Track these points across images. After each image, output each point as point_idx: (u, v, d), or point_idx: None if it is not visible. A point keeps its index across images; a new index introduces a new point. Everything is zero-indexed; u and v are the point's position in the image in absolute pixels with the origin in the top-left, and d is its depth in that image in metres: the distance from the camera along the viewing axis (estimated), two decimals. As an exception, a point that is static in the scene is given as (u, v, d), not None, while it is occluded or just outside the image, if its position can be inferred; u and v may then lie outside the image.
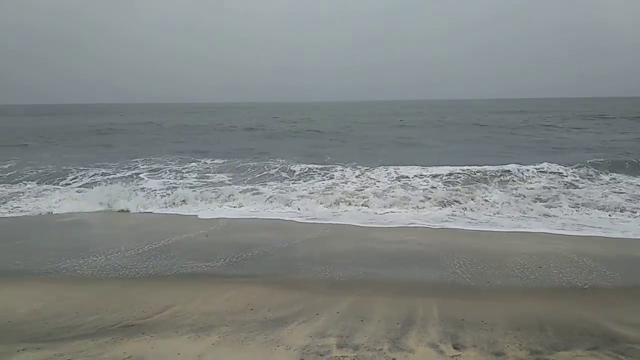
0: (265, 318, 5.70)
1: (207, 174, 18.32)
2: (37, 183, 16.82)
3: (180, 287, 7.10)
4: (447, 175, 16.25)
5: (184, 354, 4.61)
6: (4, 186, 16.14)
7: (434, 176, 16.22)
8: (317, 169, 18.30)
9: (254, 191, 14.54)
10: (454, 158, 21.35)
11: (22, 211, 12.85)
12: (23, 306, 6.26)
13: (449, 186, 14.98)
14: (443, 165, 17.88)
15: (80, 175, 18.18)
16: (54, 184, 16.68)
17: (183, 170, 18.87)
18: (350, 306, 6.15)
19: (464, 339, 5.04)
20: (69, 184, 16.91)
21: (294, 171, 18.10)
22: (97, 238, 10.39)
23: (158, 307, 6.13)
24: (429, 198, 13.15)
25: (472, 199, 13.05)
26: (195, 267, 8.24)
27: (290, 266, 8.17)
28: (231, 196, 13.67)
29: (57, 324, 5.58)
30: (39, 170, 19.10)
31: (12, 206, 13.32)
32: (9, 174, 18.55)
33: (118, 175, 18.26)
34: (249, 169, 19.10)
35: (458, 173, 16.55)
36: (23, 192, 14.95)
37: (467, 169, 16.90)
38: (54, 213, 12.71)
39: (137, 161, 21.63)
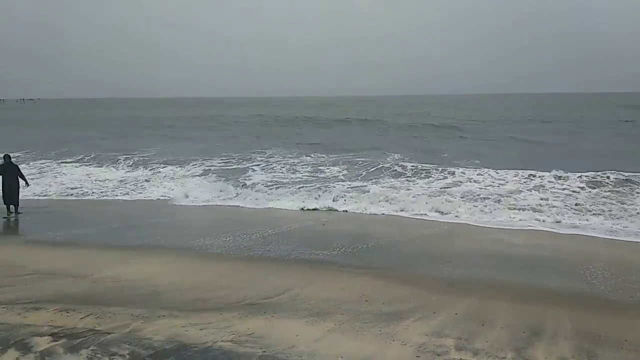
0: (380, 310, 5.68)
1: (320, 167, 18.70)
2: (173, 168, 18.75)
3: (299, 271, 7.38)
4: (585, 179, 14.67)
5: (302, 337, 4.79)
6: (147, 169, 18.25)
7: (569, 179, 14.74)
8: (433, 166, 17.68)
9: (366, 187, 14.56)
10: (592, 160, 19.13)
11: (163, 195, 14.46)
12: (164, 277, 7.00)
13: (587, 191, 13.54)
14: (580, 169, 16.04)
15: (198, 164, 19.75)
16: (181, 168, 18.54)
17: (298, 164, 19.39)
18: (469, 308, 5.87)
19: (602, 357, 4.54)
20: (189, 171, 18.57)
21: (410, 167, 17.68)
22: (223, 222, 11.24)
23: (278, 289, 6.43)
24: (564, 203, 12.07)
25: (613, 205, 11.68)
26: (312, 253, 8.50)
27: (406, 261, 8.05)
28: (342, 195, 13.60)
29: (192, 295, 6.14)
30: (180, 158, 21.22)
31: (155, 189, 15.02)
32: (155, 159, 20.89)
33: (233, 167, 19.34)
34: (363, 164, 19.08)
35: (598, 177, 14.83)
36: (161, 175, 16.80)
37: (610, 173, 15.05)
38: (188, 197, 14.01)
39: (256, 152, 22.84)
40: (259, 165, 19.44)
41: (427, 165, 18.00)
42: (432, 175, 16.35)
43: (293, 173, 17.93)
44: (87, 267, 7.46)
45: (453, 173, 16.38)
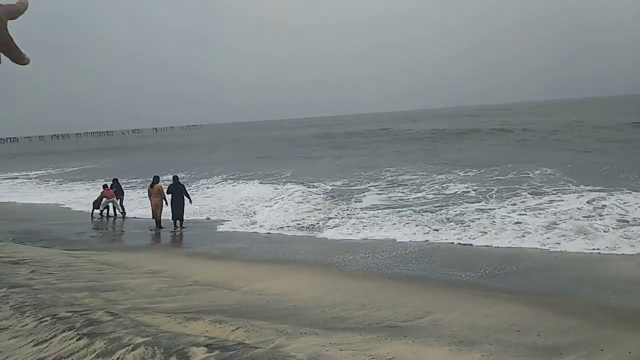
0: (534, 343, 5.11)
1: (448, 184, 17.50)
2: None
3: (440, 294, 7.05)
4: None
5: (446, 366, 4.50)
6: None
7: None
8: (591, 188, 14.45)
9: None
10: None
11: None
12: (306, 292, 7.23)
13: None
14: None
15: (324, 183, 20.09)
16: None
17: (425, 183, 18.40)
18: (647, 347, 4.99)
19: None
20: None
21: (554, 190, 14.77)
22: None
23: (419, 312, 6.19)
24: None
25: None
26: (454, 274, 8.07)
27: (563, 286, 7.19)
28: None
29: (331, 313, 6.22)
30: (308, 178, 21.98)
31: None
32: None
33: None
34: (501, 182, 17.40)
35: None
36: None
37: None
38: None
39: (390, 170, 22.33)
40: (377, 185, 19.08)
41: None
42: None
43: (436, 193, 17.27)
44: (238, 279, 8.06)
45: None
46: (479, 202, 13.95)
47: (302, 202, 15.76)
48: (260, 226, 13.23)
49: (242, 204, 16.85)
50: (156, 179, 14.88)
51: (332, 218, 13.34)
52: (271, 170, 25.56)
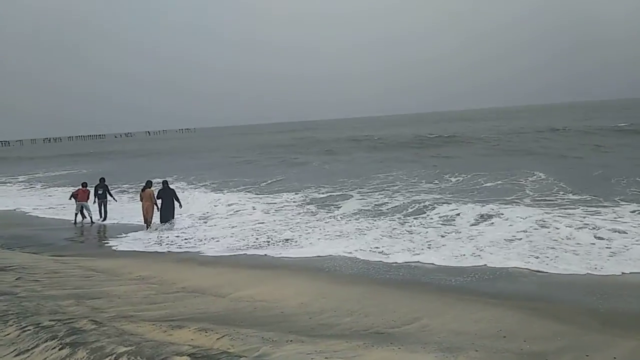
0: (520, 349, 5.12)
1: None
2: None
3: (428, 299, 7.04)
4: None
5: (431, 374, 4.49)
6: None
7: None
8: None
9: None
10: None
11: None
12: (294, 298, 7.20)
13: None
14: None
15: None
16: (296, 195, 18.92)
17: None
18: (632, 352, 5.01)
19: None
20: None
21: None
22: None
23: (406, 318, 6.18)
24: None
25: None
26: (442, 279, 8.09)
27: (550, 291, 7.22)
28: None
29: (319, 320, 6.19)
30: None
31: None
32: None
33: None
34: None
35: None
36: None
37: None
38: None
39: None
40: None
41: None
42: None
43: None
44: (227, 286, 8.02)
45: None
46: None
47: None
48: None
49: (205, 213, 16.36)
50: (148, 184, 14.85)
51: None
52: (256, 177, 25.37)
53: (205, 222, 14.59)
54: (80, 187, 16.40)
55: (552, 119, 62.08)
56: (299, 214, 14.90)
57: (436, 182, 19.66)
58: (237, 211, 15.82)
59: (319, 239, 11.55)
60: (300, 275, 8.60)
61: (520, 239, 10.12)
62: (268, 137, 76.81)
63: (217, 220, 14.82)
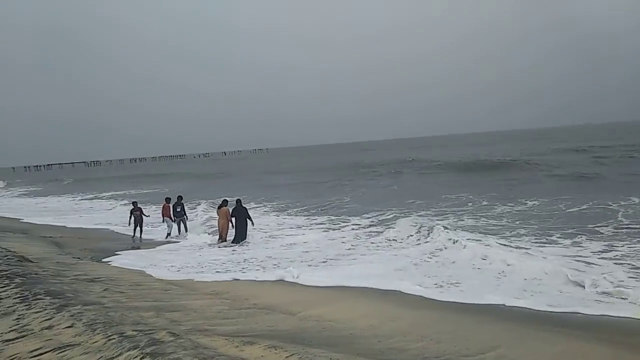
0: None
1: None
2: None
3: (506, 328, 6.68)
4: None
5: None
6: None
7: None
8: None
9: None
10: None
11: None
12: (363, 320, 7.11)
13: None
14: None
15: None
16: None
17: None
18: None
19: None
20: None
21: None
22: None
23: (481, 346, 5.89)
24: None
25: None
26: (522, 307, 7.65)
27: (646, 325, 6.58)
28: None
29: (388, 344, 6.06)
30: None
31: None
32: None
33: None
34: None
35: None
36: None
37: None
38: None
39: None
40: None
41: None
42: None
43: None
44: (296, 304, 8.09)
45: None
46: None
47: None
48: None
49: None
50: (224, 202, 15.54)
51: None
52: (322, 198, 25.53)
53: (270, 242, 14.95)
54: (165, 202, 17.56)
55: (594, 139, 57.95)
56: (367, 235, 14.81)
57: (510, 204, 18.72)
58: (302, 232, 16.07)
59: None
60: (368, 297, 8.50)
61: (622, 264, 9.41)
62: (332, 158, 77.44)
63: (281, 240, 15.11)
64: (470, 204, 19.87)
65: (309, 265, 11.41)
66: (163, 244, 16.00)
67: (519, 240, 12.34)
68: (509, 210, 17.57)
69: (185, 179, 54.50)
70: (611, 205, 16.34)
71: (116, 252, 14.02)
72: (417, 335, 6.37)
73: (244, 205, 15.72)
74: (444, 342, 6.10)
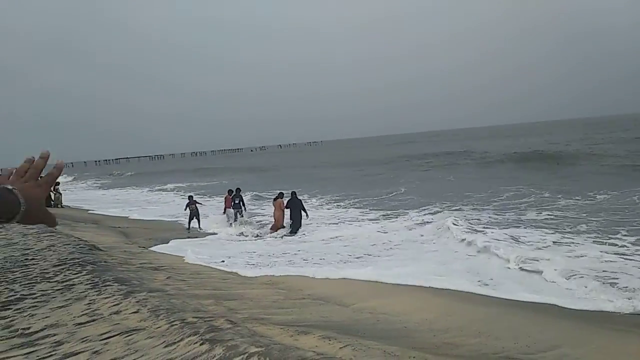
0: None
1: None
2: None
3: (568, 326, 6.38)
4: None
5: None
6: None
7: None
8: None
9: None
10: None
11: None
12: (417, 314, 7.04)
13: None
14: None
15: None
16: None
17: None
18: None
19: None
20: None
21: None
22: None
23: (542, 345, 5.67)
24: None
25: None
26: (589, 304, 7.28)
27: None
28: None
29: (443, 338, 5.96)
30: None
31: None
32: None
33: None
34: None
35: None
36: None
37: None
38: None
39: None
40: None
41: None
42: None
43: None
44: (350, 296, 8.12)
45: None
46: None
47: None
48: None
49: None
50: (280, 195, 15.85)
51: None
52: (378, 189, 25.37)
53: (324, 233, 15.03)
54: (227, 194, 18.24)
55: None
56: (421, 230, 14.58)
57: (577, 198, 17.77)
58: (357, 225, 16.05)
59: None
60: (423, 291, 8.39)
61: None
62: (384, 150, 76.62)
63: (335, 232, 15.15)
64: (532, 197, 19.04)
65: (359, 258, 11.37)
66: (212, 234, 16.54)
67: (578, 237, 11.71)
68: (574, 203, 16.70)
69: (242, 172, 55.95)
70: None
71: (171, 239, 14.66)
72: (474, 331, 6.23)
73: (298, 197, 15.95)
74: (502, 339, 5.93)
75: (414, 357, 5.11)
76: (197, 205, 17.79)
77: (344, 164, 53.16)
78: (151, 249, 13.40)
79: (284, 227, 15.30)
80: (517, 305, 7.51)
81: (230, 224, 17.66)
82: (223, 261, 11.24)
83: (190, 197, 18.60)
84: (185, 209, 17.81)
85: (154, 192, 38.09)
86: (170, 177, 52.59)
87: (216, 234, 16.51)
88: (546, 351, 5.50)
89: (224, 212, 18.09)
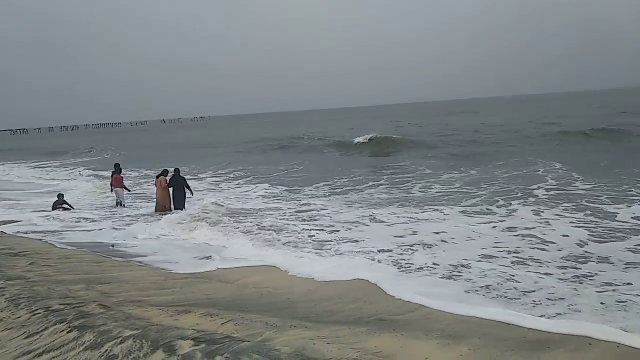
0: (523, 337, 5.10)
1: None
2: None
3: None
4: None
5: (432, 360, 4.51)
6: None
7: None
8: None
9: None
10: None
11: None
12: (302, 286, 7.27)
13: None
14: None
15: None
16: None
17: None
18: None
19: None
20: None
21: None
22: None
23: (411, 306, 6.20)
24: None
25: None
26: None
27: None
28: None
29: (324, 307, 6.25)
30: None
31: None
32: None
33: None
34: None
35: None
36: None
37: None
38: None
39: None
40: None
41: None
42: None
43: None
44: (236, 272, 8.11)
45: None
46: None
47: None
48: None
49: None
50: (164, 172, 15.12)
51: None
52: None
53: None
54: (116, 173, 16.51)
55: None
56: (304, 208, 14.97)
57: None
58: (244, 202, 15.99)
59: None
60: (306, 265, 8.64)
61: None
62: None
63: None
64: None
65: (245, 234, 11.25)
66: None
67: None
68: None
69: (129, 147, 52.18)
70: None
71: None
72: (352, 298, 6.61)
73: (182, 175, 15.36)
74: (376, 303, 6.38)
75: (294, 327, 5.29)
76: (65, 206, 15.90)
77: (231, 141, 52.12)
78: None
79: (170, 208, 14.62)
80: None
81: (119, 203, 16.21)
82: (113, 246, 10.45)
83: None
84: (54, 210, 15.61)
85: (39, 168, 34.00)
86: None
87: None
88: (415, 310, 6.05)
89: (112, 191, 16.56)
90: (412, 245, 9.25)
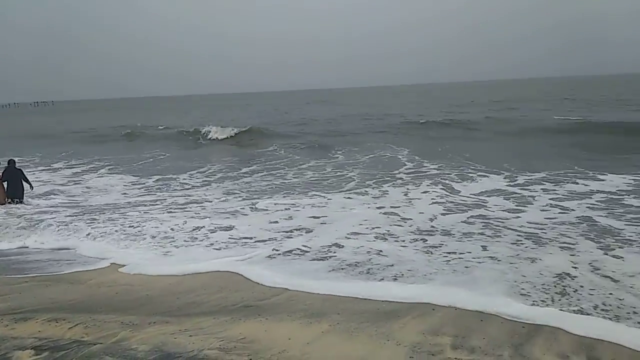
0: (377, 309, 5.54)
1: None
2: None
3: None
4: None
5: (294, 340, 4.66)
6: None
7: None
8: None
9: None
10: None
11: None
12: (161, 280, 6.92)
13: None
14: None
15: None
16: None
17: None
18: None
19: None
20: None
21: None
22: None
23: (276, 290, 6.32)
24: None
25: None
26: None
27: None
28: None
29: (187, 299, 6.05)
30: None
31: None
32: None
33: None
34: None
35: None
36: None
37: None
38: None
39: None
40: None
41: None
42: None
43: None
44: (88, 272, 7.42)
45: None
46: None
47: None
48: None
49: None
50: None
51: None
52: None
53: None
54: None
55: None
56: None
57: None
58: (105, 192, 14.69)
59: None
60: (162, 257, 8.26)
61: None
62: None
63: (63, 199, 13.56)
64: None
65: (99, 229, 10.34)
66: None
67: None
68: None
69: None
70: None
71: None
72: (217, 287, 6.50)
73: (17, 167, 13.51)
74: (242, 290, 6.37)
75: (154, 323, 5.05)
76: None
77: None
78: None
79: (8, 202, 12.73)
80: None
81: None
82: None
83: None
84: None
85: None
86: None
87: None
88: (279, 294, 6.17)
89: None
90: (289, 231, 9.30)
